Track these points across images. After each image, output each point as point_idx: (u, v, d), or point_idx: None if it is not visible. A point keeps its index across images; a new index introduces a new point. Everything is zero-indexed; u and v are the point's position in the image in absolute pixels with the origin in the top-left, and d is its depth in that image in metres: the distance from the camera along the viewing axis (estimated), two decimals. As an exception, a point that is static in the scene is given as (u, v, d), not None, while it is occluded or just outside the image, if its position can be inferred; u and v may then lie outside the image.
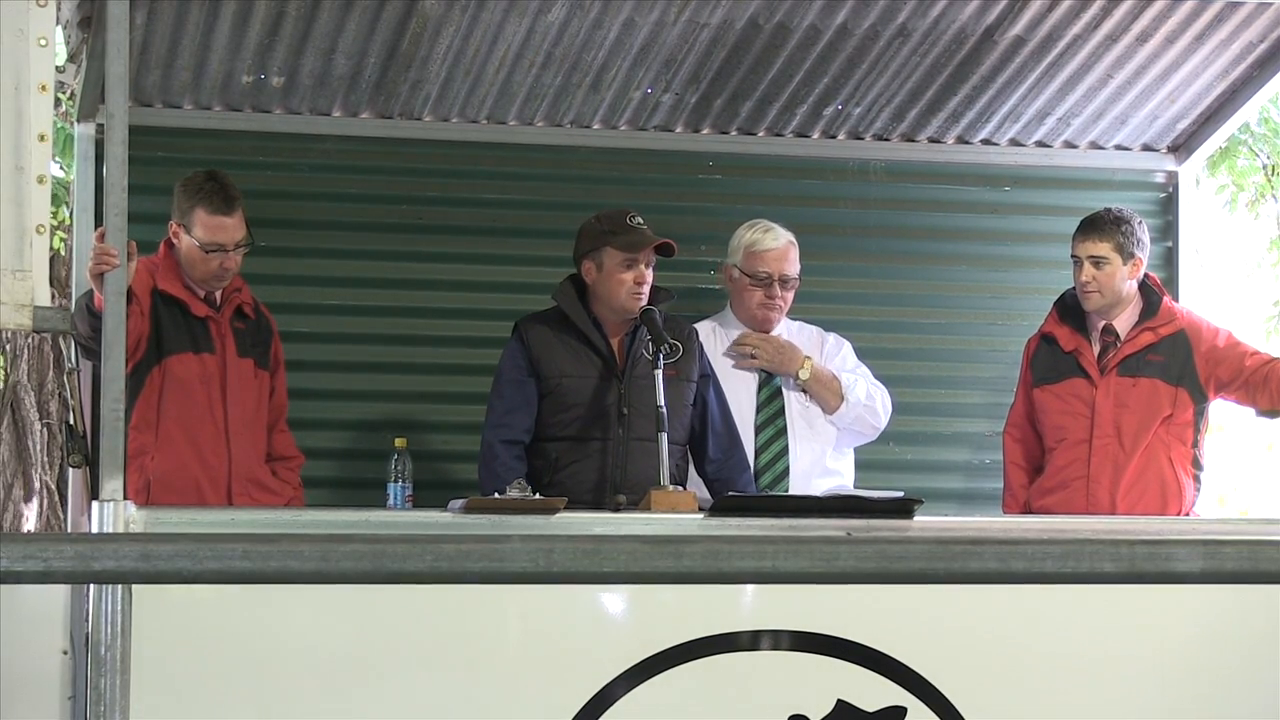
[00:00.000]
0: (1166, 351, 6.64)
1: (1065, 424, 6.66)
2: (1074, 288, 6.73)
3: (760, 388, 6.86)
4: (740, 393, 6.80)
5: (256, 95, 7.16)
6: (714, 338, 6.87)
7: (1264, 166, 11.81)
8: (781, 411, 6.85)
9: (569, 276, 6.54)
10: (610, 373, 6.43)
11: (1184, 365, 6.64)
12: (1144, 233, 6.70)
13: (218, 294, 6.32)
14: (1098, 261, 6.61)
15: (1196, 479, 6.67)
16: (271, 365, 6.42)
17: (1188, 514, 6.60)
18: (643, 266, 6.40)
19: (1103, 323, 6.69)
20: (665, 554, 2.84)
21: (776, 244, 6.86)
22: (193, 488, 6.19)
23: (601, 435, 6.38)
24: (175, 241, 6.28)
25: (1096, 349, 6.69)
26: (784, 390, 6.87)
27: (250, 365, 6.33)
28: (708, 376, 6.60)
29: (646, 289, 6.41)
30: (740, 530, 5.39)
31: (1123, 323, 6.69)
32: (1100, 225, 6.63)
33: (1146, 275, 6.74)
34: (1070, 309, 6.75)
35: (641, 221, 6.45)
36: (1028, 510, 6.66)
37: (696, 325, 6.76)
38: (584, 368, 6.42)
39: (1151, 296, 6.72)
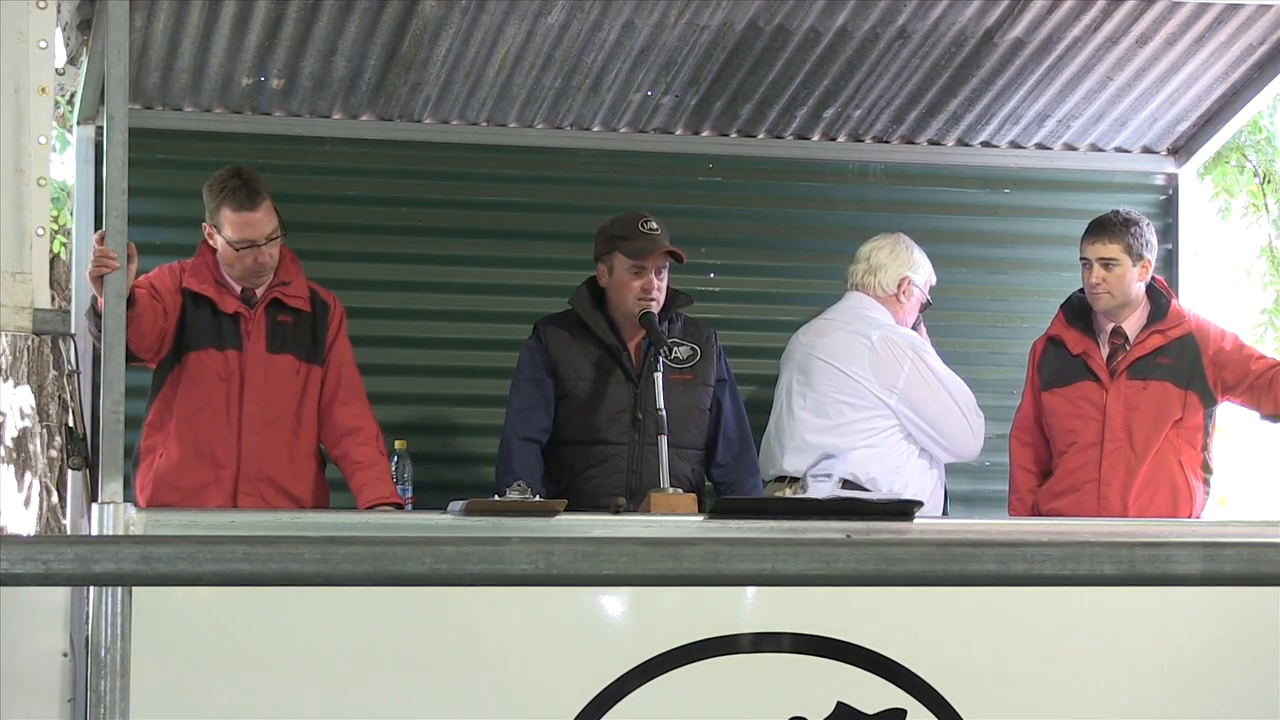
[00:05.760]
0: (1175, 354, 6.64)
1: (1075, 427, 6.65)
2: (1080, 290, 6.73)
3: None
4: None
5: (256, 97, 7.16)
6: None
7: (1256, 173, 11.81)
8: None
9: (588, 279, 6.55)
10: (626, 377, 6.43)
11: (1193, 368, 6.63)
12: (1152, 234, 6.71)
13: (258, 290, 6.31)
14: (1107, 263, 6.60)
15: (1206, 482, 6.67)
16: (325, 354, 6.30)
17: (1197, 518, 6.60)
18: (651, 274, 6.41)
19: (1111, 325, 6.68)
20: (665, 556, 2.84)
21: None
22: (195, 486, 6.18)
23: (617, 440, 6.39)
24: (211, 242, 6.29)
25: (1105, 352, 6.68)
26: None
27: (288, 361, 6.26)
28: (724, 381, 6.60)
29: (658, 295, 6.41)
30: (740, 533, 5.39)
31: (1131, 325, 6.68)
32: (1110, 227, 6.62)
33: (1154, 278, 6.74)
34: (1078, 311, 6.74)
35: (655, 226, 6.45)
36: (1036, 514, 6.65)
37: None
38: (600, 372, 6.43)
39: (1159, 299, 6.72)
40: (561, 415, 6.44)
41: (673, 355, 6.43)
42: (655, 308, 6.41)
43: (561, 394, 6.44)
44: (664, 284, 6.45)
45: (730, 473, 6.57)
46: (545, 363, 6.46)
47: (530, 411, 6.43)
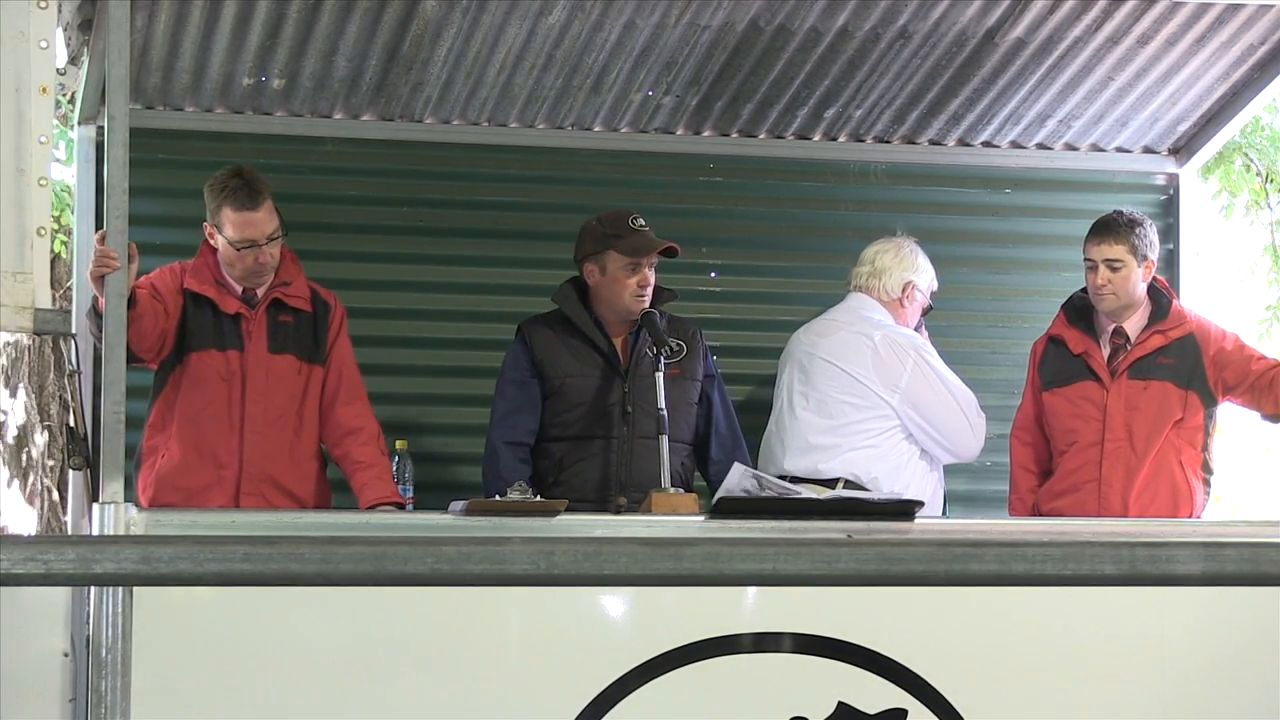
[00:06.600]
0: (1176, 354, 6.64)
1: (1076, 427, 6.65)
2: (1082, 290, 6.73)
3: None
4: None
5: (257, 97, 7.17)
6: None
7: (1258, 172, 11.79)
8: None
9: (570, 279, 6.55)
10: (614, 372, 6.45)
11: (1194, 368, 6.63)
12: (1154, 234, 6.72)
13: (259, 290, 6.32)
14: (1113, 264, 6.60)
15: (1206, 482, 6.67)
16: (327, 354, 6.31)
17: (1197, 518, 6.60)
18: (646, 270, 6.42)
19: (1112, 325, 6.68)
20: (666, 556, 2.84)
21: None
22: (197, 487, 6.18)
23: (606, 434, 6.40)
24: (212, 242, 6.29)
25: (1106, 352, 6.68)
26: None
27: (289, 361, 6.27)
28: (713, 376, 6.61)
29: (650, 291, 6.43)
30: (741, 532, 5.39)
31: (1133, 325, 6.68)
32: (1115, 228, 6.62)
33: (1155, 278, 6.74)
34: (1079, 311, 6.75)
35: (644, 223, 6.46)
36: (1036, 514, 6.66)
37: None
38: (587, 368, 6.44)
39: (1161, 299, 6.72)
40: (550, 411, 6.45)
41: (674, 353, 6.43)
42: (647, 303, 6.42)
43: (548, 392, 6.45)
44: (653, 279, 6.48)
45: (724, 470, 6.56)
46: (530, 363, 6.46)
47: (515, 415, 6.44)
